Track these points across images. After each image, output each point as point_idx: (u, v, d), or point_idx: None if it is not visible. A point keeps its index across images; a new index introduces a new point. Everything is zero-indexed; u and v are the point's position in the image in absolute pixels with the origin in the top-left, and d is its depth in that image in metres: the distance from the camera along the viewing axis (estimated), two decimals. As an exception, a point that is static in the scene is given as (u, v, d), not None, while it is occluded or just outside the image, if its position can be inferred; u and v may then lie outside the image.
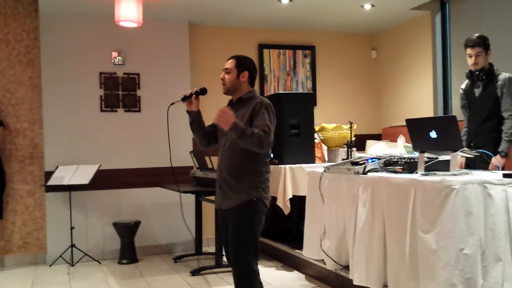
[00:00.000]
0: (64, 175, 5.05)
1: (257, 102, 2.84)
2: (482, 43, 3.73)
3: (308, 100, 5.00)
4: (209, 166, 4.89)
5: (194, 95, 2.94)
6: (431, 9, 5.47)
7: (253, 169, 2.84)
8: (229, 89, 2.92)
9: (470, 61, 3.80)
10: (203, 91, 2.95)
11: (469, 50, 3.77)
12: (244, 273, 2.81)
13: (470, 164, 3.79)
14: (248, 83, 2.93)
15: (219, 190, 2.92)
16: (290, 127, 4.75)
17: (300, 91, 6.21)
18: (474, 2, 5.06)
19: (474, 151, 3.39)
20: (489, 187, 2.81)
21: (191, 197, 5.40)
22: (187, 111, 2.99)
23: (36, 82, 5.35)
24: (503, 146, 3.66)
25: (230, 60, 2.94)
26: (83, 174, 5.06)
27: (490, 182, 2.82)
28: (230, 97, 3.00)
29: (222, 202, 2.91)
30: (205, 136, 3.03)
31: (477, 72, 3.79)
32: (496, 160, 3.58)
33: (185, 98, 2.95)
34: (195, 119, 2.99)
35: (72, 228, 5.10)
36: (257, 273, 2.83)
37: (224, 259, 4.80)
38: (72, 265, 5.09)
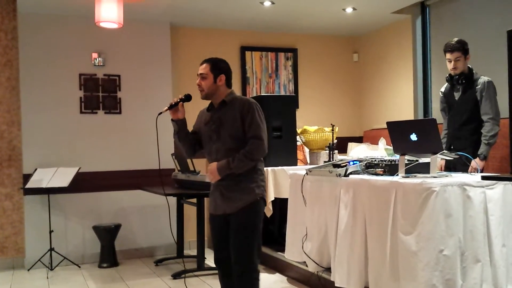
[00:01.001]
0: (43, 178, 4.97)
1: (244, 103, 2.84)
2: (461, 48, 3.77)
3: (290, 103, 5.01)
4: (191, 168, 4.86)
5: (181, 102, 2.93)
6: (411, 13, 5.53)
7: (253, 169, 2.87)
8: (207, 95, 2.90)
9: (450, 66, 3.85)
10: (188, 98, 2.95)
11: (448, 55, 3.82)
12: (249, 272, 2.84)
13: (451, 167, 3.83)
14: (226, 85, 2.92)
15: (220, 197, 2.91)
16: (272, 130, 4.75)
17: (282, 93, 6.22)
18: (454, 6, 5.13)
19: (454, 154, 3.43)
20: (468, 189, 2.84)
21: (173, 200, 5.37)
22: (172, 120, 2.96)
23: (14, 83, 5.26)
24: (482, 149, 3.71)
25: (204, 65, 2.91)
26: (62, 177, 4.99)
27: (469, 185, 2.85)
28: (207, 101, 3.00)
29: (226, 207, 2.89)
30: (191, 145, 3.01)
31: (457, 76, 3.84)
32: (475, 162, 3.63)
33: (172, 106, 2.92)
34: (182, 127, 2.96)
35: (51, 231, 5.02)
36: (259, 272, 2.89)
37: (207, 261, 4.78)
38: (51, 269, 5.01)
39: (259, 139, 2.81)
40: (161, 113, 2.94)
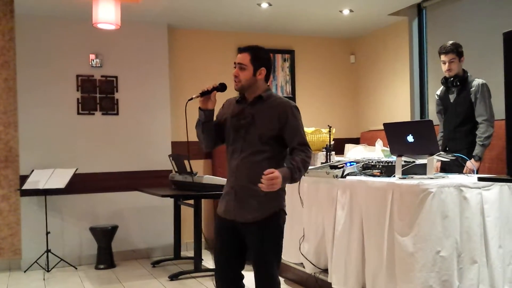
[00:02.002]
0: (40, 179, 4.96)
1: (285, 106, 2.55)
2: (455, 50, 3.83)
3: (288, 104, 5.01)
4: (188, 169, 4.86)
5: (215, 91, 2.59)
6: (408, 15, 5.55)
7: None
8: (243, 87, 2.57)
9: (444, 68, 3.90)
10: (223, 87, 2.61)
11: (443, 57, 3.88)
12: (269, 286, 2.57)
13: (446, 168, 3.86)
14: (265, 79, 2.61)
15: (234, 199, 2.56)
16: (269, 131, 4.74)
17: (280, 95, 6.21)
18: (450, 8, 5.16)
19: (450, 155, 3.45)
20: (464, 191, 2.85)
21: (170, 201, 5.37)
22: (200, 108, 2.61)
23: (11, 84, 5.25)
24: (477, 150, 3.75)
25: (245, 54, 2.57)
26: (59, 178, 4.98)
27: (466, 186, 2.86)
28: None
29: (237, 214, 2.54)
30: (213, 137, 2.65)
31: (451, 79, 3.89)
32: (471, 163, 3.65)
33: (205, 93, 2.58)
34: (209, 118, 2.62)
35: (47, 233, 5.00)
36: (279, 284, 2.61)
37: (204, 263, 4.78)
38: (48, 271, 5.00)
39: (306, 146, 2.54)
40: (191, 99, 2.60)
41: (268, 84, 2.67)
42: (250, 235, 2.54)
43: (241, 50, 2.62)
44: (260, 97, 2.58)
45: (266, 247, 2.53)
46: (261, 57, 2.59)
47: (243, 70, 2.56)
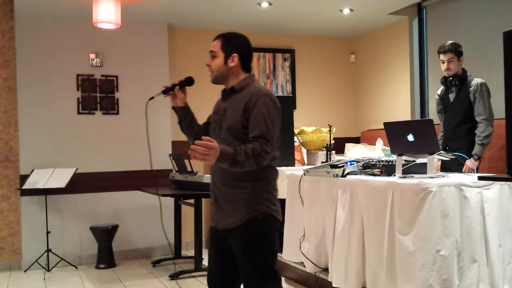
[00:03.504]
0: (40, 179, 4.96)
1: (252, 94, 2.23)
2: (454, 50, 3.87)
3: (288, 103, 5.01)
4: (189, 169, 4.86)
5: (177, 86, 2.40)
6: (408, 14, 5.55)
7: (256, 176, 2.24)
8: (216, 78, 2.34)
9: (443, 67, 3.94)
10: (189, 81, 2.42)
11: (441, 56, 3.92)
12: None
13: (446, 167, 3.86)
14: (241, 67, 2.32)
15: (214, 204, 2.35)
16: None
17: (280, 94, 6.23)
18: (451, 7, 5.15)
19: (451, 154, 3.45)
20: (465, 190, 2.85)
21: (170, 201, 5.37)
22: (172, 107, 2.46)
23: (11, 83, 5.25)
24: (476, 150, 3.76)
25: (216, 41, 2.34)
26: (59, 178, 4.98)
27: (466, 185, 2.86)
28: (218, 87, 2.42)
29: (218, 220, 2.32)
30: (197, 137, 2.32)
31: (451, 78, 3.92)
32: (470, 162, 3.66)
33: (167, 91, 2.40)
34: (183, 116, 2.44)
35: (48, 232, 5.01)
36: None
37: (204, 262, 4.78)
38: (48, 270, 5.00)
39: (264, 142, 2.16)
40: (152, 98, 2.40)
41: (252, 73, 2.38)
42: (233, 243, 2.26)
43: (214, 38, 2.37)
44: (232, 89, 2.32)
45: (251, 261, 2.23)
46: (233, 43, 2.32)
47: (214, 58, 2.33)
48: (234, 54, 2.30)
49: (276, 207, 2.31)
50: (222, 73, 2.32)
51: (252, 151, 2.13)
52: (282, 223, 3.74)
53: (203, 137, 2.08)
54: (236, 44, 2.33)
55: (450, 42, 3.91)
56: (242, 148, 2.13)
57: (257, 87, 2.29)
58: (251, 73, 2.38)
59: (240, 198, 2.23)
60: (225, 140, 2.25)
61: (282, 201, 4.34)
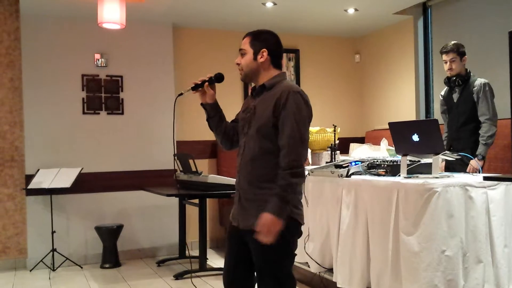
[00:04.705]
0: (45, 179, 4.98)
1: (283, 91, 2.18)
2: (456, 50, 3.87)
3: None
4: (193, 169, 4.87)
5: (207, 83, 2.35)
6: (413, 14, 5.53)
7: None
8: (246, 74, 2.31)
9: (446, 67, 3.95)
10: (219, 78, 2.38)
11: (444, 56, 3.93)
12: None
13: (450, 168, 3.85)
14: (271, 64, 2.30)
15: (238, 203, 2.33)
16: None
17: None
18: (456, 7, 5.14)
19: (456, 154, 3.44)
20: (470, 190, 2.84)
21: (175, 200, 5.38)
22: (201, 104, 2.41)
23: (17, 84, 5.27)
24: (480, 150, 3.75)
25: (245, 39, 2.32)
26: (64, 178, 5.00)
27: (471, 185, 2.85)
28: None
29: (240, 219, 2.29)
30: (226, 135, 2.40)
31: (454, 78, 3.92)
32: (475, 162, 3.65)
33: (196, 87, 2.36)
34: (212, 113, 2.38)
35: (53, 232, 5.02)
36: None
37: (209, 262, 4.78)
38: (53, 270, 5.02)
39: (295, 141, 2.14)
40: (181, 94, 2.40)
41: (283, 71, 2.35)
42: (253, 243, 2.22)
43: (244, 35, 2.36)
44: (263, 86, 2.29)
45: (265, 261, 2.23)
46: (261, 38, 2.29)
47: (243, 56, 2.30)
48: (264, 50, 2.28)
49: (300, 211, 2.27)
50: (252, 69, 2.29)
51: (285, 181, 2.13)
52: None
53: (256, 228, 2.12)
54: (265, 40, 2.30)
55: (452, 42, 3.92)
56: (279, 185, 2.13)
57: (288, 84, 2.25)
58: (282, 70, 2.35)
59: (264, 199, 2.18)
60: (252, 139, 2.25)
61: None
